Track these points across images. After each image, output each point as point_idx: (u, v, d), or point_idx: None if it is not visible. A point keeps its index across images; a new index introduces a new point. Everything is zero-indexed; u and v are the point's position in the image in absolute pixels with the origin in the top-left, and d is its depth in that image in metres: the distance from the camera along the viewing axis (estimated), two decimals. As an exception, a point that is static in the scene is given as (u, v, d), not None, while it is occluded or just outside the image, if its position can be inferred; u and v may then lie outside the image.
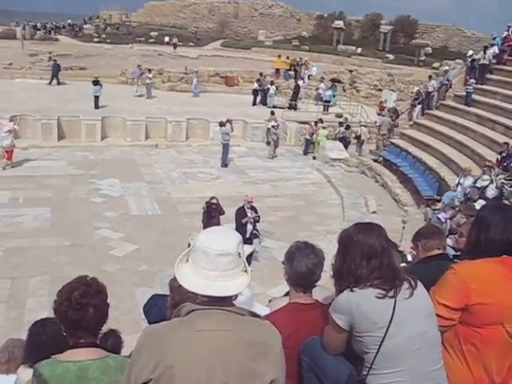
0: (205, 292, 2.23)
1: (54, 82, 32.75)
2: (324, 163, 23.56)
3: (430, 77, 26.22)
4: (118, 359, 2.72)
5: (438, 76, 29.74)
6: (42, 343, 3.39)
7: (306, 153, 25.02)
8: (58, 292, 2.70)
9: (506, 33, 26.11)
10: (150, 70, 32.37)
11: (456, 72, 27.03)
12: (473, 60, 25.30)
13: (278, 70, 37.22)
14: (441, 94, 24.99)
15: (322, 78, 35.18)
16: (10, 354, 3.93)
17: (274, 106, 29.93)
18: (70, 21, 63.92)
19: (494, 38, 26.23)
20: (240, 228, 12.79)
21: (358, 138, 25.36)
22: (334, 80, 34.62)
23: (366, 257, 2.61)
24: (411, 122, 24.71)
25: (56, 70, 32.97)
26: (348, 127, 25.76)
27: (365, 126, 25.85)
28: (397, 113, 26.43)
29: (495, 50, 24.80)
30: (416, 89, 27.38)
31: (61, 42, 49.27)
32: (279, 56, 38.58)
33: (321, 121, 26.10)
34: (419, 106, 25.21)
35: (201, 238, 2.30)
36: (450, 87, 25.26)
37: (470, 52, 26.56)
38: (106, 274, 11.70)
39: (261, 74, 34.24)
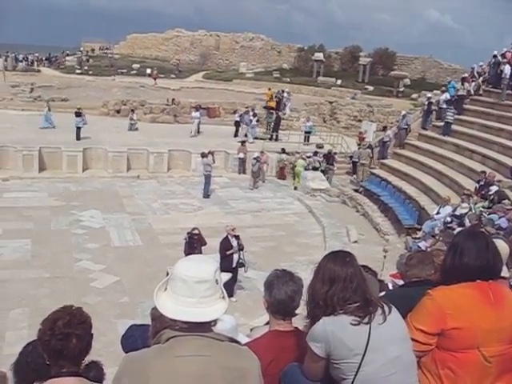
0: (183, 318, 2.26)
1: None
2: (305, 193, 23.69)
3: (385, 128, 27.15)
4: (100, 388, 2.72)
5: (417, 107, 30.33)
6: (25, 365, 3.35)
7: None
8: (42, 321, 2.71)
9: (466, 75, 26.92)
10: (133, 111, 32.23)
11: (414, 116, 27.57)
12: (430, 103, 25.74)
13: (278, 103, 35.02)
14: (401, 139, 25.40)
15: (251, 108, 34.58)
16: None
17: (256, 138, 30.12)
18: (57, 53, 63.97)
19: (449, 82, 26.84)
20: (225, 258, 12.80)
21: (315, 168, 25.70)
22: (268, 107, 34.79)
23: (328, 281, 2.65)
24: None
25: None
26: (316, 153, 26.26)
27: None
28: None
29: (447, 96, 25.34)
30: (354, 150, 28.00)
31: (43, 73, 49.38)
32: (269, 89, 37.95)
33: (283, 150, 26.44)
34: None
35: (179, 266, 2.35)
36: (410, 131, 25.65)
37: (429, 95, 27.11)
38: (87, 306, 11.40)
39: (249, 107, 33.85)
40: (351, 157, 26.34)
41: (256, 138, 29.99)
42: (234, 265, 13.20)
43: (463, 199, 15.44)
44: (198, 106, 33.12)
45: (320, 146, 28.89)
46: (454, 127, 23.69)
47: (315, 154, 26.34)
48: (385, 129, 27.27)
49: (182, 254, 13.41)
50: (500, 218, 12.36)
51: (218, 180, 24.44)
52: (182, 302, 2.28)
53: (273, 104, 34.44)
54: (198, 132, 31.18)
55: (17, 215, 18.18)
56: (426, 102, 25.98)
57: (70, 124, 27.00)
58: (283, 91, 37.56)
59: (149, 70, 51.66)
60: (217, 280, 2.33)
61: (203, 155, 22.58)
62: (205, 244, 13.68)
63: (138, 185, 23.50)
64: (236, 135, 31.14)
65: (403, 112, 27.44)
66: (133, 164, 25.36)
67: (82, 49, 70.36)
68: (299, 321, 2.98)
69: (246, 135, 29.92)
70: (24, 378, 3.15)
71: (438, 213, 15.94)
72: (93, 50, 70.42)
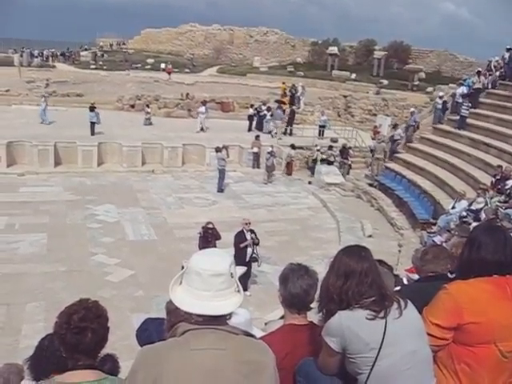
0: (199, 312, 2.27)
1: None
2: (319, 188, 23.65)
3: (396, 125, 27.25)
4: (115, 381, 2.73)
5: (432, 100, 30.06)
6: (44, 359, 3.38)
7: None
8: (58, 314, 2.73)
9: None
10: (147, 106, 32.32)
11: (425, 113, 27.34)
12: (444, 102, 25.48)
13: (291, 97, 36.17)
14: (408, 136, 25.20)
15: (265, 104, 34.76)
16: (5, 380, 3.89)
17: (270, 132, 30.07)
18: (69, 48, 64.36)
19: (465, 80, 26.62)
20: (239, 252, 12.80)
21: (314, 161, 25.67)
22: (279, 101, 34.64)
23: (343, 275, 2.64)
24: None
25: None
26: (330, 147, 26.30)
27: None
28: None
29: (463, 89, 25.13)
30: (369, 144, 27.99)
31: (58, 68, 49.51)
32: (283, 83, 38.07)
33: (292, 146, 26.32)
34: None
35: (194, 260, 2.36)
36: (418, 128, 25.46)
37: (441, 93, 26.82)
38: (103, 300, 11.54)
39: (264, 103, 33.95)
40: (372, 150, 26.11)
41: (270, 132, 29.94)
42: (248, 259, 13.21)
43: (479, 194, 15.29)
44: (204, 101, 32.90)
45: (334, 140, 28.79)
46: (470, 121, 23.46)
47: (330, 148, 26.26)
48: (395, 126, 27.12)
49: (196, 249, 13.40)
50: (516, 212, 12.26)
51: (232, 174, 24.48)
52: (197, 295, 2.28)
53: (285, 99, 34.44)
54: (201, 128, 30.60)
55: (33, 210, 18.32)
56: (440, 102, 25.62)
57: (84, 119, 27.12)
58: (294, 85, 37.47)
59: (163, 65, 51.60)
60: (232, 273, 2.34)
61: (217, 150, 22.63)
62: (219, 238, 13.68)
63: (152, 179, 23.60)
64: (250, 129, 31.12)
65: (411, 109, 27.35)
66: (147, 158, 25.48)
67: (101, 43, 70.60)
68: (314, 315, 2.98)
69: (271, 132, 29.94)
70: (42, 371, 3.18)
71: (453, 207, 15.82)
72: (111, 46, 70.79)
